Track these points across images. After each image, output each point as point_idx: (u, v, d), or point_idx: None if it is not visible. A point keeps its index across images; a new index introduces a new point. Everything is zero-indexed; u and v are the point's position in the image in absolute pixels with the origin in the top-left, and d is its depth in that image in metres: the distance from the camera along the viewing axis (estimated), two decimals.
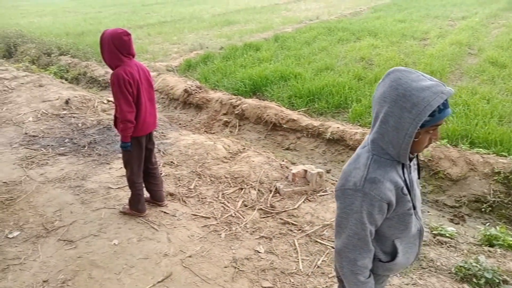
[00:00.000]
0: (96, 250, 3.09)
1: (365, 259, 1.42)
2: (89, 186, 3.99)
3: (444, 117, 1.28)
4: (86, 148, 4.84)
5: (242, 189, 3.91)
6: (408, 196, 1.39)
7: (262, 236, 3.23)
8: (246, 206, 3.67)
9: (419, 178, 1.56)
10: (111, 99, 6.74)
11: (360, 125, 5.46)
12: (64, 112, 6.06)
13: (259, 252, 3.04)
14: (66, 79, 8.80)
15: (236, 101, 6.43)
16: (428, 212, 4.07)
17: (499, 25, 11.79)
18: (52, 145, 4.92)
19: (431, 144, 1.39)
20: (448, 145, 4.65)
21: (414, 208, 1.45)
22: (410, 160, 1.43)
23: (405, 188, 1.38)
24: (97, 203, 3.71)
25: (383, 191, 1.32)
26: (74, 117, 5.87)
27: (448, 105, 1.28)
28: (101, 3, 25.38)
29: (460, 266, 2.74)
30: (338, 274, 1.62)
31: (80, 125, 5.56)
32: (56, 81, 7.79)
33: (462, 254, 2.98)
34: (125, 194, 3.84)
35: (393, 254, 1.50)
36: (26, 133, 5.22)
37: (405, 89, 1.24)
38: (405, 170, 1.40)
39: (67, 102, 6.30)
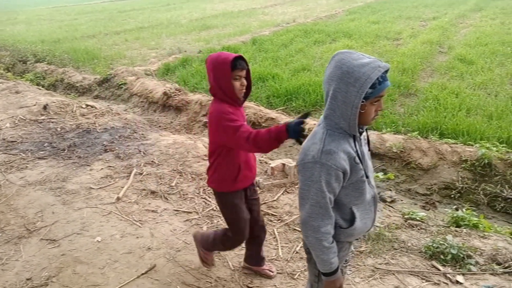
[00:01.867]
0: (79, 248, 3.13)
1: (327, 225, 1.56)
2: (70, 187, 4.02)
3: (384, 88, 1.45)
4: (65, 151, 4.85)
5: None
6: (360, 165, 1.57)
7: None
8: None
9: (369, 150, 1.76)
10: (90, 103, 6.76)
11: None
12: (42, 117, 6.04)
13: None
14: (43, 86, 8.73)
15: None
16: (402, 200, 4.25)
17: (467, 25, 12.28)
18: (31, 150, 4.91)
19: (377, 116, 1.57)
20: (419, 137, 4.87)
21: (367, 177, 1.63)
22: (360, 133, 1.61)
23: (357, 158, 1.55)
24: (79, 203, 3.75)
25: (338, 160, 1.48)
26: (52, 122, 5.86)
27: (387, 78, 1.46)
28: (78, 10, 25.11)
29: (429, 245, 2.92)
30: (306, 246, 1.76)
31: (59, 129, 5.55)
32: (33, 88, 7.73)
33: (431, 235, 3.16)
34: (106, 193, 3.89)
35: (351, 220, 1.66)
36: (3, 139, 5.19)
37: (348, 67, 1.42)
38: (356, 142, 1.58)
39: (45, 107, 6.28)
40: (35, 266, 2.94)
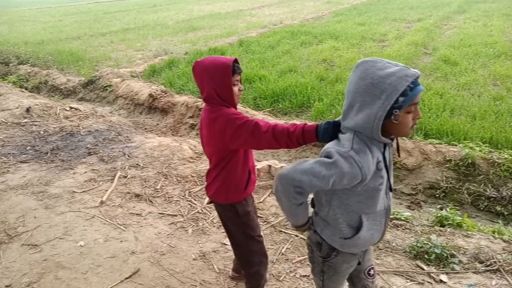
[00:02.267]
0: (62, 252, 3.07)
1: (303, 193, 1.47)
2: (53, 191, 3.95)
3: (417, 94, 1.37)
4: (48, 154, 4.76)
5: None
6: (383, 171, 1.50)
7: None
8: (213, 202, 3.73)
9: (399, 156, 1.73)
10: (74, 105, 6.66)
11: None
12: (25, 120, 5.93)
13: (226, 244, 3.12)
14: (26, 88, 8.57)
15: (202, 103, 6.50)
16: None
17: (451, 27, 12.47)
18: (13, 153, 4.81)
19: (415, 125, 1.48)
20: (404, 137, 4.91)
21: (390, 186, 1.57)
22: (392, 140, 1.53)
23: (382, 163, 1.48)
24: (62, 207, 3.68)
25: (366, 161, 1.41)
26: (35, 125, 5.75)
27: (419, 83, 1.38)
28: (62, 11, 24.77)
29: (413, 245, 2.94)
30: (310, 256, 1.78)
31: (42, 132, 5.46)
32: (15, 90, 7.59)
33: (416, 234, 3.18)
34: (90, 197, 3.83)
35: (358, 229, 1.58)
36: None
37: (372, 78, 1.36)
38: (387, 148, 1.51)
39: (28, 110, 6.17)
40: (15, 272, 2.87)
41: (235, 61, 1.96)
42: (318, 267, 1.77)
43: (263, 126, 1.82)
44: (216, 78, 1.93)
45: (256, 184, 3.64)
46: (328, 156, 1.45)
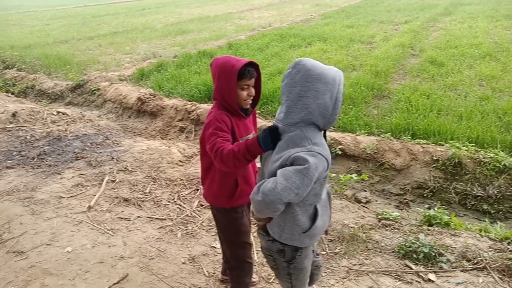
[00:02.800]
0: (48, 259, 3.02)
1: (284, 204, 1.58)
2: (40, 197, 3.89)
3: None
4: (35, 159, 4.70)
5: (198, 189, 3.97)
6: None
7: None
8: (203, 205, 3.72)
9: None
10: (61, 110, 6.59)
11: None
12: (11, 125, 5.84)
13: (215, 248, 3.11)
14: (13, 93, 8.46)
15: (191, 106, 6.48)
16: (376, 201, 4.31)
17: (437, 28, 12.63)
18: None
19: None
20: (392, 138, 4.95)
21: None
22: None
23: None
24: (49, 213, 3.63)
25: (326, 150, 1.57)
26: (22, 130, 5.68)
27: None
28: (50, 15, 24.53)
29: (402, 245, 2.96)
30: (270, 260, 1.86)
31: (28, 137, 5.38)
32: (1, 95, 7.50)
33: (404, 234, 3.20)
34: (78, 202, 3.79)
35: (314, 219, 1.69)
36: None
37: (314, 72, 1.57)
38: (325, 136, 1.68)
39: (14, 115, 6.08)
40: None
41: (250, 64, 1.92)
42: (284, 271, 1.84)
43: (218, 146, 1.78)
44: (223, 79, 1.91)
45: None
46: (298, 162, 1.50)
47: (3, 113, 6.15)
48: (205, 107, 6.35)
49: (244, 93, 1.95)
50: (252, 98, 2.02)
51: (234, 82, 1.89)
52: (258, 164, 2.01)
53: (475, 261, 2.83)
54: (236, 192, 2.10)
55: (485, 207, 4.08)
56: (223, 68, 1.91)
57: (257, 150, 1.68)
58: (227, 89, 1.92)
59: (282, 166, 1.55)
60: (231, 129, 1.95)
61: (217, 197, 2.16)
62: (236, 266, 2.30)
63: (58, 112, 6.38)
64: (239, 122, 2.02)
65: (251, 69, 1.93)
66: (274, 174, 1.57)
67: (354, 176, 4.15)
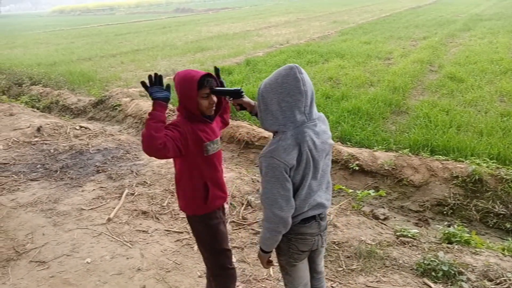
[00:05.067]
0: (68, 269, 3.10)
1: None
2: (62, 208, 4.00)
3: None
4: (58, 172, 4.84)
5: None
6: None
7: (234, 246, 3.32)
8: None
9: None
10: (84, 124, 6.79)
11: None
12: (36, 139, 6.05)
13: None
14: (38, 108, 8.76)
15: None
16: (395, 217, 4.25)
17: (456, 44, 12.54)
18: (23, 172, 4.90)
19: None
20: (410, 154, 4.90)
21: None
22: None
23: None
24: (70, 224, 3.72)
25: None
26: (46, 143, 5.87)
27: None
28: (74, 34, 25.46)
29: (420, 262, 2.91)
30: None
31: (52, 151, 5.56)
32: (27, 110, 7.77)
33: (423, 251, 3.15)
34: (98, 214, 3.88)
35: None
36: None
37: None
38: None
39: (38, 129, 6.30)
40: None
41: (208, 75, 2.06)
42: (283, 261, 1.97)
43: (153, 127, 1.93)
44: (184, 90, 2.05)
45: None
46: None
47: (28, 127, 6.38)
48: None
49: (206, 102, 2.08)
50: (214, 105, 2.13)
51: (194, 91, 2.02)
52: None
53: (498, 281, 2.76)
54: (208, 196, 2.17)
55: (508, 225, 3.97)
56: (183, 80, 2.05)
57: (153, 106, 1.93)
58: (189, 99, 2.05)
59: None
60: (191, 134, 2.06)
61: (191, 204, 2.22)
62: (219, 274, 2.32)
63: (81, 127, 6.58)
64: (205, 127, 2.15)
65: (210, 79, 2.06)
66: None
67: (371, 192, 4.12)
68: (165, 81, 2.24)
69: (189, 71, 2.09)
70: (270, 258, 1.94)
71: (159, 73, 1.99)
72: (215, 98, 2.12)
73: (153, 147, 1.88)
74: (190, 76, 2.03)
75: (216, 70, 2.18)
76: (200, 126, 2.11)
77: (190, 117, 2.10)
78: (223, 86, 2.17)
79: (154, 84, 1.95)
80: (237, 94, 2.11)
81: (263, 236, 1.84)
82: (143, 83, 2.01)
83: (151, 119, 1.89)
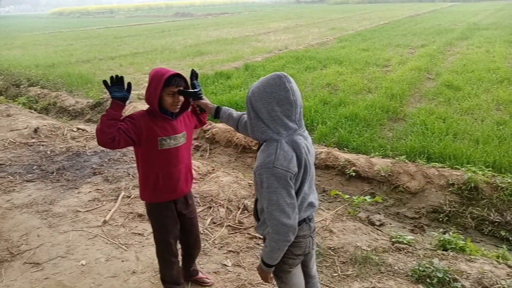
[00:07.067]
0: (63, 271, 3.08)
1: None
2: (57, 210, 3.99)
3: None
4: (54, 174, 4.83)
5: (210, 207, 4.01)
6: None
7: (230, 251, 3.32)
8: (215, 223, 3.75)
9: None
10: (81, 126, 6.78)
11: (325, 145, 5.70)
12: (33, 140, 6.03)
13: (227, 266, 3.12)
14: (35, 110, 8.75)
15: (207, 126, 6.58)
16: (390, 224, 4.26)
17: (454, 52, 12.63)
18: (19, 173, 4.89)
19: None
20: (407, 160, 4.92)
21: None
22: None
23: None
24: (65, 226, 3.71)
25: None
26: (42, 145, 5.85)
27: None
28: (73, 36, 25.46)
29: (415, 269, 2.91)
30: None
31: (48, 152, 5.54)
32: (24, 111, 7.76)
33: (418, 258, 3.15)
34: (93, 216, 3.86)
35: None
36: None
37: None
38: None
39: (35, 130, 6.29)
40: None
41: (177, 75, 2.17)
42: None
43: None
44: (152, 85, 2.17)
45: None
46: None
47: (25, 128, 6.37)
48: (220, 126, 6.45)
49: (170, 99, 2.19)
50: (179, 104, 2.24)
51: (160, 88, 2.13)
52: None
53: None
54: (158, 186, 2.32)
55: (502, 233, 3.99)
56: (154, 76, 2.17)
57: (111, 104, 2.10)
58: (153, 94, 2.17)
59: None
60: (146, 127, 2.22)
61: (143, 191, 2.40)
62: (159, 258, 2.60)
63: (78, 129, 6.57)
64: (165, 123, 2.26)
65: (178, 79, 2.17)
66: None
67: (367, 198, 4.13)
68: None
69: (162, 69, 2.20)
70: None
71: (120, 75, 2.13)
72: (181, 98, 2.23)
73: (103, 141, 2.09)
74: (160, 74, 2.15)
75: (192, 73, 2.30)
76: (159, 121, 2.24)
77: (151, 111, 2.24)
78: (194, 88, 2.27)
79: (115, 84, 2.09)
80: (195, 95, 2.23)
81: (271, 250, 1.78)
82: (104, 82, 2.12)
83: (105, 116, 2.09)
